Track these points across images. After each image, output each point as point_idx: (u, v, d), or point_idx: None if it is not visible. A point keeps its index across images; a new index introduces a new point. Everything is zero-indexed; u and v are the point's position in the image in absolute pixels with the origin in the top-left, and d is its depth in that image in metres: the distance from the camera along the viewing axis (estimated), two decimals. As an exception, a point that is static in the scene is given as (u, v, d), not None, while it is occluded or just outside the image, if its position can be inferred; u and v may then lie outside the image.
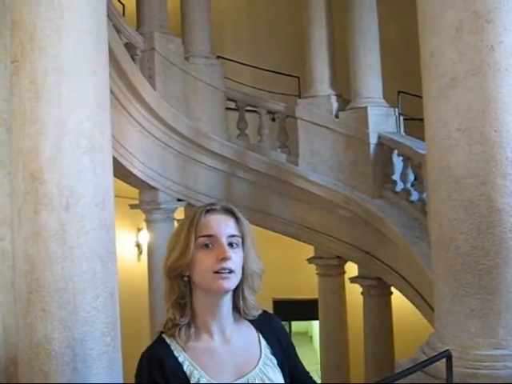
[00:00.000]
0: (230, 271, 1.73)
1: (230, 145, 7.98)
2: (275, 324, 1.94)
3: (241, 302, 1.83)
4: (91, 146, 2.68)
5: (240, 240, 1.79)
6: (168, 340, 1.77)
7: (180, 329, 1.76)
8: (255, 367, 1.79)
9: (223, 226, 1.77)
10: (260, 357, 1.82)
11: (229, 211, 1.81)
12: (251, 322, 1.88)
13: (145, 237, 9.19)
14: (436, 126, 3.18)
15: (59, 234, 2.57)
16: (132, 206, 8.18)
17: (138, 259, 10.73)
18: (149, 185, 7.64)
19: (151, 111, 7.12)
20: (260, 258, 1.85)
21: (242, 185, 8.01)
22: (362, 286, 8.32)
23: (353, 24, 7.61)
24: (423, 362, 2.53)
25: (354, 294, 8.61)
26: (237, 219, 1.81)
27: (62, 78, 2.63)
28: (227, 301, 1.80)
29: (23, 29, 2.64)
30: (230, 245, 1.76)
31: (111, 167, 2.86)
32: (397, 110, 7.76)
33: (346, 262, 8.53)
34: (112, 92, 4.78)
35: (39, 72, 2.61)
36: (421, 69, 3.31)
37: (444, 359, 2.30)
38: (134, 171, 7.08)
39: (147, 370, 1.72)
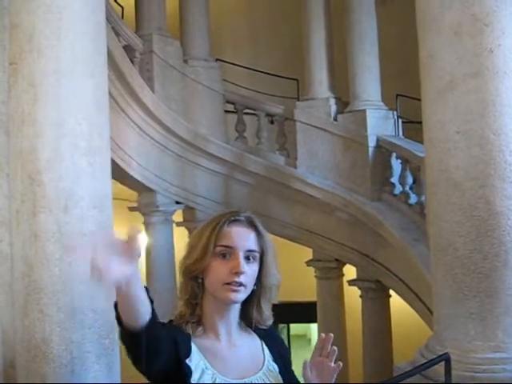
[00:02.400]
0: (241, 285, 1.73)
1: (228, 147, 7.97)
2: (277, 338, 1.96)
3: (255, 313, 1.83)
4: (89, 148, 2.67)
5: (258, 255, 1.78)
6: (181, 327, 1.78)
7: (187, 323, 1.77)
8: (259, 371, 1.80)
9: (243, 240, 1.76)
10: (264, 363, 1.83)
11: (252, 224, 1.81)
12: (254, 330, 1.88)
13: (143, 239, 9.17)
14: (435, 128, 3.18)
15: (57, 236, 2.56)
16: (130, 209, 8.17)
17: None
18: (147, 187, 7.63)
19: (150, 114, 7.11)
20: (279, 271, 1.86)
21: (240, 187, 8.00)
22: (360, 288, 8.31)
23: (351, 27, 7.61)
24: (422, 365, 2.53)
25: (353, 296, 8.60)
26: (258, 233, 1.80)
27: (61, 80, 2.63)
28: (235, 308, 1.81)
29: (22, 31, 2.63)
30: (247, 258, 1.75)
31: (109, 169, 2.86)
32: (395, 112, 7.76)
33: (344, 264, 8.52)
34: (111, 94, 4.77)
35: (37, 74, 2.61)
36: (420, 71, 3.32)
37: (443, 362, 2.29)
38: (133, 173, 7.07)
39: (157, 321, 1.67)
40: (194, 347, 1.73)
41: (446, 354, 2.35)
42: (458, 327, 3.08)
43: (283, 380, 1.84)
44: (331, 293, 8.66)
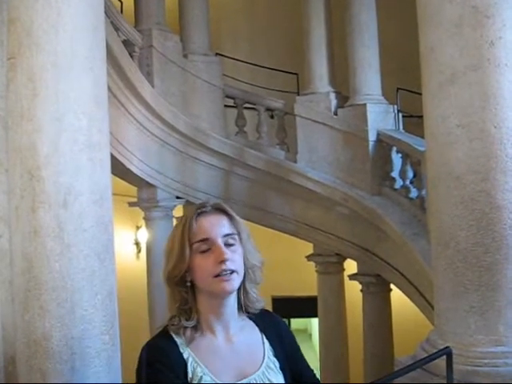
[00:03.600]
0: (232, 272, 1.70)
1: (228, 142, 7.96)
2: (279, 325, 1.91)
3: (243, 296, 1.81)
4: (89, 143, 2.66)
5: (237, 237, 1.75)
6: (173, 335, 1.75)
7: (185, 328, 1.75)
8: (258, 370, 1.76)
9: (217, 227, 1.73)
10: (263, 359, 1.79)
11: (220, 210, 1.78)
12: (255, 322, 1.85)
13: (144, 235, 9.17)
14: (436, 122, 3.16)
15: (57, 231, 2.55)
16: (131, 204, 8.16)
17: (137, 257, 10.71)
18: (147, 182, 7.63)
19: (149, 108, 7.10)
20: (258, 250, 1.83)
21: (240, 182, 8.00)
22: (361, 283, 8.31)
23: (351, 21, 7.58)
24: (423, 359, 2.51)
25: (354, 291, 8.61)
26: (229, 216, 1.77)
27: (60, 75, 2.61)
28: (232, 300, 1.78)
29: (20, 25, 2.61)
30: (227, 244, 1.73)
31: (109, 164, 2.84)
32: (396, 106, 7.75)
33: (345, 259, 8.52)
34: (110, 89, 4.76)
35: (36, 69, 2.59)
36: (420, 64, 3.30)
37: (444, 356, 2.28)
38: (132, 168, 7.06)
39: (151, 358, 1.69)
40: (189, 357, 1.71)
41: (447, 348, 2.33)
42: (460, 321, 3.07)
43: (285, 373, 1.80)
44: (332, 287, 8.67)
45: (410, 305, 7.22)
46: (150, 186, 7.71)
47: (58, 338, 2.54)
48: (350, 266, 8.59)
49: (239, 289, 1.79)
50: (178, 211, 8.22)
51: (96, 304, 2.63)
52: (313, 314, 9.78)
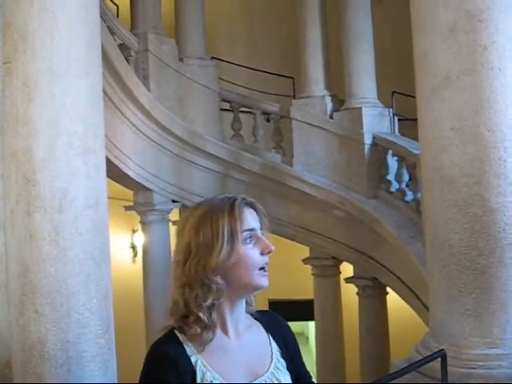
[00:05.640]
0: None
1: (224, 146, 7.97)
2: (282, 326, 1.87)
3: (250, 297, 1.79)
4: (84, 147, 2.67)
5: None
6: (181, 337, 1.67)
7: (198, 329, 1.65)
8: (267, 370, 1.72)
9: (256, 220, 1.71)
10: (272, 359, 1.75)
11: (252, 205, 1.75)
12: (261, 323, 1.81)
13: (140, 238, 9.17)
14: (429, 125, 3.18)
15: (52, 235, 2.55)
16: (127, 208, 8.17)
17: (133, 261, 10.70)
18: (143, 186, 7.63)
19: (145, 112, 7.11)
20: None
21: (236, 186, 8.00)
22: (357, 286, 8.32)
23: (347, 25, 7.61)
24: (418, 361, 2.52)
25: (350, 294, 8.61)
26: (258, 213, 1.74)
27: (55, 79, 2.62)
28: (244, 300, 1.75)
29: (16, 30, 2.62)
30: None
31: (104, 168, 2.85)
32: (391, 110, 7.77)
33: (341, 262, 8.53)
34: (106, 93, 4.77)
35: (32, 73, 2.60)
36: (414, 69, 3.32)
37: (439, 359, 2.29)
38: (129, 172, 7.07)
39: (158, 367, 1.61)
40: (197, 361, 1.64)
41: (441, 350, 2.34)
42: (454, 324, 3.09)
43: (291, 376, 1.77)
44: (328, 291, 8.67)
45: (407, 308, 7.23)
46: (146, 189, 7.72)
47: (54, 341, 2.54)
48: (347, 270, 8.59)
49: None
50: (174, 215, 8.22)
51: (91, 308, 2.63)
52: (309, 317, 9.78)
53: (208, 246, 1.64)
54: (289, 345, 1.83)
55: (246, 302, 1.78)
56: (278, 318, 1.90)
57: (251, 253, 1.65)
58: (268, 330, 1.81)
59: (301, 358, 1.88)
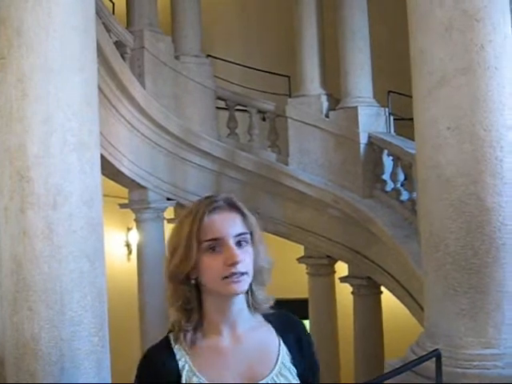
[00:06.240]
0: (242, 274, 1.57)
1: (220, 144, 7.96)
2: (297, 329, 1.78)
3: (250, 297, 1.68)
4: (79, 143, 2.65)
5: (248, 236, 1.63)
6: (173, 341, 1.64)
7: (186, 332, 1.63)
8: (267, 375, 1.63)
9: (229, 226, 1.60)
10: (276, 364, 1.65)
11: (233, 207, 1.65)
12: (273, 325, 1.73)
13: (134, 236, 9.15)
14: (426, 124, 3.17)
15: (46, 233, 2.54)
16: (121, 206, 8.14)
17: (128, 259, 10.67)
18: (138, 184, 7.61)
19: (141, 110, 7.08)
20: (267, 251, 1.72)
21: (231, 184, 7.99)
22: (352, 285, 8.31)
23: (343, 23, 7.60)
24: (413, 361, 2.53)
25: (344, 293, 8.61)
26: (242, 214, 1.64)
27: (50, 76, 2.61)
28: (239, 298, 1.65)
29: (10, 26, 2.61)
30: (239, 244, 1.60)
31: (99, 165, 2.84)
32: (387, 109, 7.76)
33: (336, 261, 8.52)
34: (101, 90, 4.75)
35: (26, 69, 2.58)
36: (411, 68, 3.31)
37: (434, 359, 2.29)
38: (123, 170, 7.04)
39: (145, 372, 1.61)
40: (185, 365, 1.61)
41: (436, 350, 2.35)
42: (449, 323, 3.08)
43: (303, 379, 1.67)
44: (323, 290, 8.66)
45: (401, 307, 7.23)
46: (141, 187, 7.69)
47: (47, 339, 2.53)
48: (341, 269, 8.59)
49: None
50: (169, 213, 8.20)
51: (85, 306, 2.62)
52: (304, 316, 9.77)
53: (170, 251, 1.64)
54: (305, 350, 1.74)
55: (253, 303, 1.70)
56: (293, 319, 1.81)
57: (212, 263, 1.58)
58: (279, 332, 1.72)
59: (315, 372, 1.78)
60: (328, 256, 8.41)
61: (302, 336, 1.76)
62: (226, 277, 1.57)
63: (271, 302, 1.74)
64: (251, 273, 1.62)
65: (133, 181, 7.48)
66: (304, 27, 7.81)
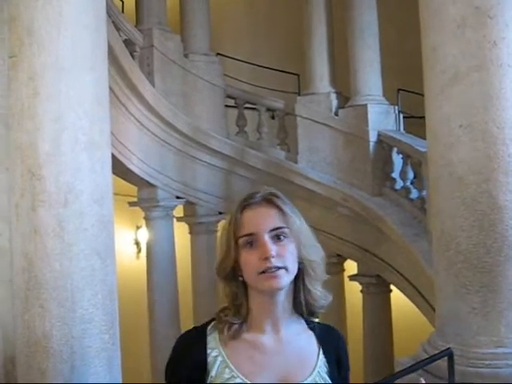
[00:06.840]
0: (279, 268, 1.58)
1: (229, 142, 7.95)
2: (340, 343, 1.79)
3: (303, 295, 1.70)
4: (90, 142, 2.66)
5: (286, 231, 1.63)
6: (209, 331, 1.66)
7: (232, 325, 1.64)
8: (305, 380, 1.62)
9: (263, 221, 1.62)
10: (313, 371, 1.65)
11: (270, 202, 1.67)
12: (315, 335, 1.73)
13: (144, 234, 9.16)
14: (438, 122, 3.16)
15: (57, 230, 2.54)
16: (131, 204, 8.15)
17: (137, 257, 10.69)
18: (147, 182, 7.61)
19: (150, 108, 7.09)
20: (318, 244, 1.74)
21: (241, 182, 7.99)
22: (361, 283, 8.29)
23: (353, 21, 7.57)
24: (424, 360, 2.51)
25: (354, 291, 8.59)
26: (279, 208, 1.66)
27: (61, 74, 2.61)
28: (282, 298, 1.65)
29: (21, 24, 2.61)
30: (277, 237, 1.61)
31: (110, 164, 2.84)
32: (396, 107, 7.74)
33: (345, 259, 8.50)
34: (111, 89, 4.74)
35: (37, 67, 2.59)
36: (423, 65, 3.29)
37: (446, 357, 2.27)
38: (133, 168, 7.05)
39: (173, 356, 1.66)
40: (218, 356, 1.62)
41: (448, 349, 2.33)
42: (461, 322, 3.07)
43: None
44: (332, 288, 8.54)
45: (410, 306, 7.21)
46: (150, 185, 7.70)
47: (59, 337, 2.53)
48: (350, 267, 8.57)
49: (297, 288, 1.69)
50: (179, 211, 8.21)
51: (96, 303, 2.62)
52: (312, 314, 9.76)
53: (218, 249, 1.71)
54: (342, 364, 1.74)
55: (309, 302, 1.73)
56: (336, 332, 1.82)
57: (249, 258, 1.60)
58: (321, 342, 1.73)
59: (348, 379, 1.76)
60: (337, 254, 8.39)
61: (342, 350, 1.78)
62: (263, 272, 1.58)
63: (330, 299, 1.79)
64: (292, 268, 1.63)
65: (142, 179, 7.49)
66: (313, 25, 7.78)
